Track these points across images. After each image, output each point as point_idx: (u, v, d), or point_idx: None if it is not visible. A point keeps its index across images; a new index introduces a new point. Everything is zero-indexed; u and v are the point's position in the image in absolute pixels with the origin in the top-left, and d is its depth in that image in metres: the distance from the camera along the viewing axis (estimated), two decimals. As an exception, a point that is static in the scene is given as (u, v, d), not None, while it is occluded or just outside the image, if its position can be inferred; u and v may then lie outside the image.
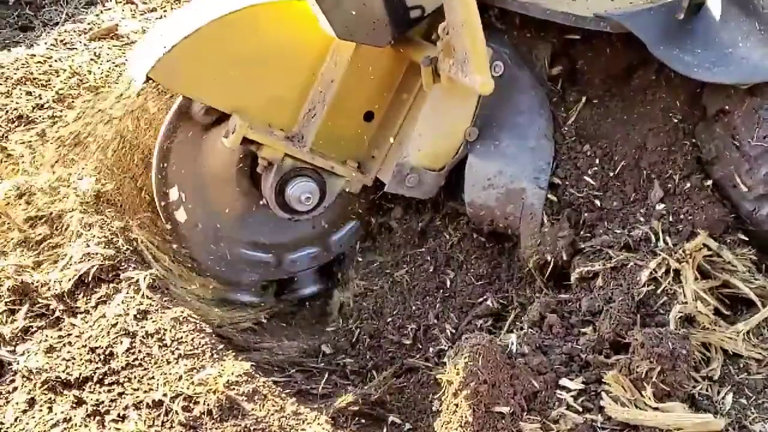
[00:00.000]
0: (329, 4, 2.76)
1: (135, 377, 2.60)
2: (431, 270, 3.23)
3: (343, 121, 3.10)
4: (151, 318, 2.76)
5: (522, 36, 3.18)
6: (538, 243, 3.00)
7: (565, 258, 2.95)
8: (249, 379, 2.64)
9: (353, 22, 2.79)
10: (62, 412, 2.51)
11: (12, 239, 3.08)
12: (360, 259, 3.47)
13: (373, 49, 2.94)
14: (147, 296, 2.84)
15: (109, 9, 5.09)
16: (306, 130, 3.07)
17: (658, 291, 2.75)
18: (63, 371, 2.61)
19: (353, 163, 3.20)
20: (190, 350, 2.69)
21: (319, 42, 2.97)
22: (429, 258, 3.26)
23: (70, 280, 2.87)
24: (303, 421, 2.59)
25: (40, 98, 3.93)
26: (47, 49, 4.52)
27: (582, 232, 3.00)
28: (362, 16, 2.79)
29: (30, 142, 3.59)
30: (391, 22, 2.84)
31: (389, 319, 3.18)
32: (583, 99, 3.18)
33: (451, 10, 2.68)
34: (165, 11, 4.93)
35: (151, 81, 2.90)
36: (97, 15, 5.01)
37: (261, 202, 3.25)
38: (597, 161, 3.10)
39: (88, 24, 4.88)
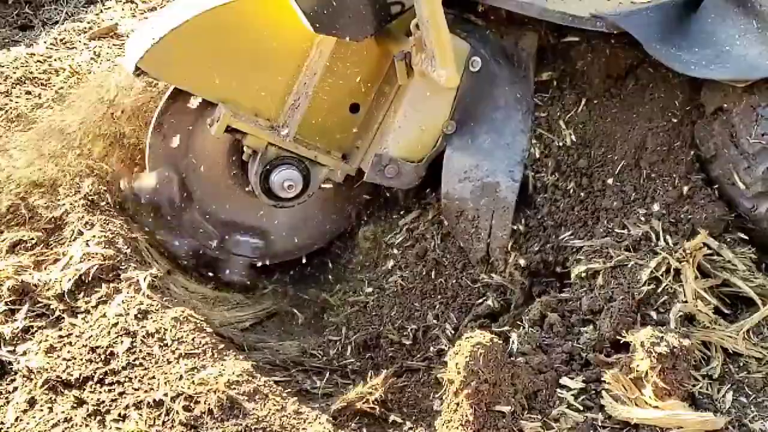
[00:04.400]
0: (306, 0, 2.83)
1: (136, 377, 2.60)
2: (430, 270, 3.23)
3: (328, 113, 3.16)
4: (152, 318, 2.76)
5: (507, 27, 3.20)
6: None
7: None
8: (250, 378, 2.64)
9: (330, 17, 2.84)
10: (63, 412, 2.51)
11: (12, 239, 3.07)
12: (359, 259, 3.46)
13: (354, 43, 2.98)
14: (147, 296, 2.84)
15: (109, 8, 5.08)
16: (290, 120, 3.12)
17: (659, 290, 2.75)
18: (63, 371, 2.61)
19: (337, 153, 3.25)
20: (191, 350, 2.69)
21: (305, 35, 3.01)
22: (427, 259, 3.26)
23: (70, 279, 2.87)
24: (304, 421, 2.59)
25: (40, 98, 3.93)
26: (47, 48, 4.52)
27: (578, 234, 3.02)
28: (340, 10, 2.84)
29: (30, 141, 3.58)
30: (370, 16, 2.90)
31: (389, 320, 3.18)
32: (583, 100, 3.18)
33: (418, 6, 2.76)
34: (164, 10, 4.92)
35: (140, 71, 2.97)
36: (96, 14, 5.01)
37: (248, 188, 3.31)
38: (597, 161, 3.12)
39: (88, 23, 4.88)
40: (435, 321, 3.12)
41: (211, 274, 3.44)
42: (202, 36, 2.95)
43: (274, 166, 3.18)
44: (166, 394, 2.53)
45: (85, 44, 4.59)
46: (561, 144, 3.14)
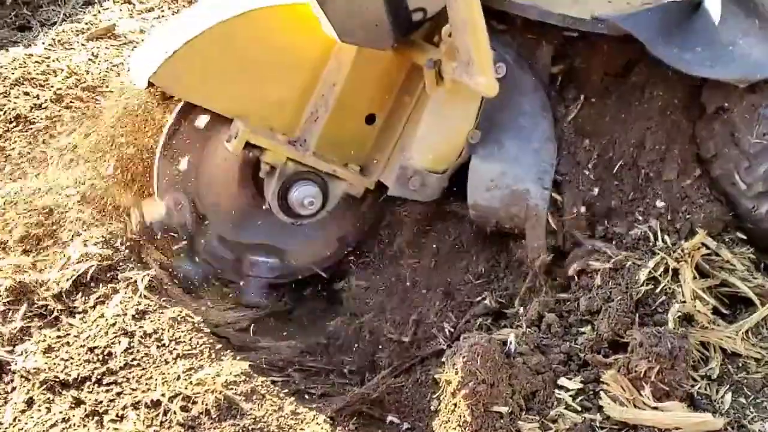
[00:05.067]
0: (332, 7, 2.75)
1: (133, 377, 2.60)
2: (430, 270, 3.23)
3: (346, 125, 3.10)
4: (150, 318, 2.76)
5: (523, 38, 3.18)
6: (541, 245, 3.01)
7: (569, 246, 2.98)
8: (247, 378, 2.64)
9: (355, 25, 2.79)
10: (61, 412, 2.51)
11: (11, 239, 3.07)
12: (359, 259, 3.46)
13: (374, 52, 2.93)
14: (145, 296, 2.84)
15: (107, 9, 5.08)
16: (308, 133, 3.07)
17: (657, 290, 2.74)
18: (61, 371, 2.61)
19: (355, 166, 3.19)
20: (189, 350, 2.69)
21: (321, 45, 2.97)
22: (428, 258, 3.26)
23: (68, 280, 2.87)
24: (301, 421, 2.60)
25: (38, 98, 3.92)
26: (45, 49, 4.51)
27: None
28: (364, 19, 2.79)
29: (28, 141, 3.58)
30: (393, 24, 2.84)
31: (388, 319, 3.18)
32: (582, 97, 3.17)
33: (454, 10, 2.67)
34: (162, 11, 4.93)
35: (153, 86, 2.91)
36: (94, 15, 5.00)
37: (264, 207, 3.24)
38: (595, 160, 3.11)
39: (86, 24, 4.87)
40: (434, 320, 3.12)
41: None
42: (218, 48, 2.87)
43: (293, 182, 3.12)
44: (163, 395, 2.53)
45: (83, 45, 4.59)
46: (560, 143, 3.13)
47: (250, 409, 2.55)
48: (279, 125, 3.05)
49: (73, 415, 2.51)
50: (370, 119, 3.15)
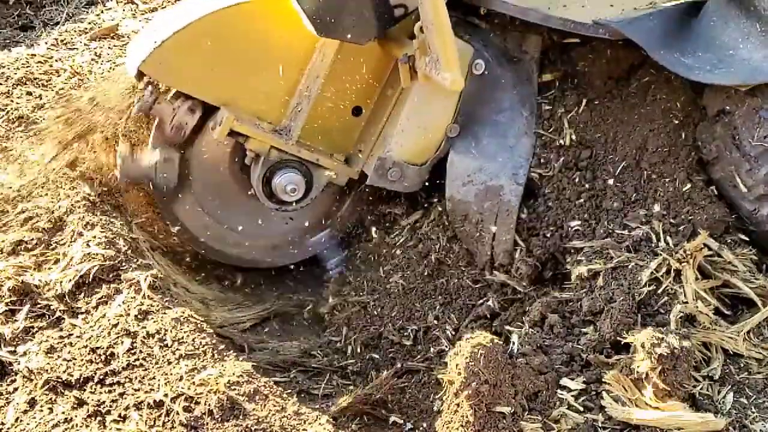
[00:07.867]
0: (309, 2, 2.81)
1: (136, 377, 2.60)
2: (432, 271, 3.23)
3: (331, 116, 3.16)
4: (152, 318, 2.76)
5: (511, 29, 3.20)
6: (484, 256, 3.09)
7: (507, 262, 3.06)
8: (250, 379, 2.64)
9: (334, 20, 2.83)
10: (63, 413, 2.51)
11: (12, 239, 3.07)
12: (359, 260, 3.46)
13: (357, 46, 2.98)
14: (148, 296, 2.84)
15: (110, 9, 5.08)
16: (293, 123, 3.13)
17: (659, 291, 2.75)
18: (64, 371, 2.61)
19: (340, 156, 3.26)
20: (191, 350, 2.69)
21: (307, 38, 3.01)
22: (429, 259, 3.26)
23: (70, 280, 2.86)
24: (304, 422, 2.59)
25: (41, 98, 3.93)
26: (48, 48, 4.52)
27: (579, 234, 3.02)
28: (344, 14, 2.84)
29: (31, 142, 3.58)
30: (373, 20, 2.89)
31: (389, 320, 3.18)
32: (584, 100, 3.19)
33: (423, 9, 2.75)
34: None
35: (142, 75, 2.96)
36: (97, 15, 5.01)
37: (250, 192, 3.31)
38: (597, 162, 3.11)
39: (89, 24, 4.88)
40: (435, 322, 3.12)
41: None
42: (205, 39, 2.94)
43: (276, 169, 3.18)
44: (166, 395, 2.53)
45: (85, 45, 4.59)
46: (561, 144, 3.14)
47: (253, 409, 2.55)
48: (266, 115, 3.12)
49: (76, 416, 2.50)
50: (357, 111, 3.21)
